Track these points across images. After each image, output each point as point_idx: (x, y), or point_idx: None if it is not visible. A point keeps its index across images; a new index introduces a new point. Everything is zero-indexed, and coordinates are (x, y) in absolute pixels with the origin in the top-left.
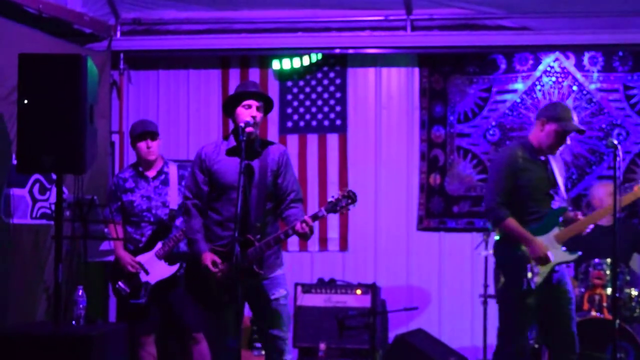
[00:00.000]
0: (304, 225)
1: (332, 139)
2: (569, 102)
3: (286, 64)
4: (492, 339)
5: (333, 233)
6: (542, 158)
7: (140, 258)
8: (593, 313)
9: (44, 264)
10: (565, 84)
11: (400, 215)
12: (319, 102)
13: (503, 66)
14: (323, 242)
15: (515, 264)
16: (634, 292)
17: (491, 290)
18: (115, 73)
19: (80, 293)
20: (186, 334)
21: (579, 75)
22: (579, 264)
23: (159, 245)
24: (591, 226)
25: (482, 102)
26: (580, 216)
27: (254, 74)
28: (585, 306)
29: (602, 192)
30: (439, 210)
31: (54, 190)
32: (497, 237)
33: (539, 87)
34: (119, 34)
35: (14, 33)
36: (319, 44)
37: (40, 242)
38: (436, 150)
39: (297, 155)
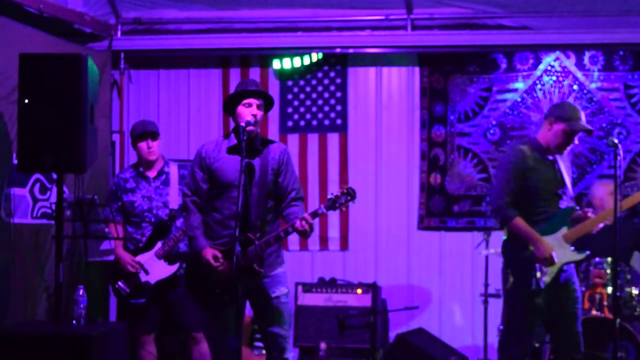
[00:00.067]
0: (303, 222)
1: (333, 139)
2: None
3: (287, 63)
4: (493, 338)
5: (334, 232)
6: (550, 158)
7: (140, 258)
8: (594, 312)
9: (44, 263)
10: (565, 83)
11: (401, 214)
12: (320, 102)
13: (503, 65)
14: (324, 241)
15: (524, 264)
16: (635, 291)
17: (492, 289)
18: (115, 72)
19: (80, 293)
20: (186, 334)
21: (579, 75)
22: (579, 263)
23: (159, 245)
24: (601, 225)
25: (482, 102)
26: (590, 214)
27: (255, 74)
28: (586, 305)
29: (602, 191)
30: (439, 209)
31: (55, 189)
32: (504, 237)
33: (539, 86)
34: (119, 33)
35: (15, 33)
36: (320, 43)
37: (41, 241)
38: (436, 149)
39: (298, 155)
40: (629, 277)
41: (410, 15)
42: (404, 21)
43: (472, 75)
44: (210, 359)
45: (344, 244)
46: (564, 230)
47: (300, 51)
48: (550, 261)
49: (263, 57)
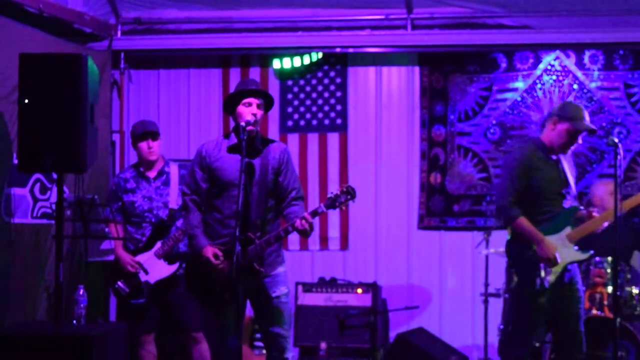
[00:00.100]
0: (303, 221)
1: (333, 138)
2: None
3: (287, 63)
4: (493, 338)
5: (334, 232)
6: (554, 157)
7: (140, 258)
8: (594, 311)
9: (44, 263)
10: (565, 82)
11: (401, 214)
12: (320, 101)
13: (503, 65)
14: (324, 241)
15: (528, 264)
16: (635, 290)
17: (492, 289)
18: (115, 72)
19: (81, 292)
20: (186, 334)
21: (579, 74)
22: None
23: (158, 244)
24: (605, 224)
25: (482, 101)
26: (595, 214)
27: (255, 73)
28: (586, 304)
29: (602, 191)
30: (439, 209)
31: (55, 189)
32: (508, 237)
33: (539, 85)
34: (119, 33)
35: (15, 32)
36: (320, 43)
37: (41, 241)
38: (437, 149)
39: (298, 155)
40: (629, 276)
41: (410, 14)
42: (404, 21)
43: (472, 75)
44: (210, 359)
45: (344, 244)
46: (567, 229)
47: (300, 51)
48: (553, 261)
49: (263, 57)
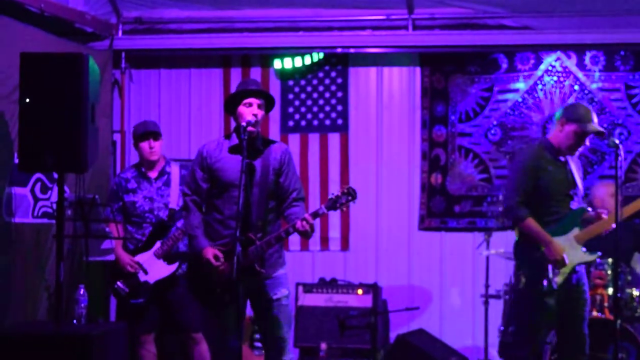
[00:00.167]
0: (304, 223)
1: (334, 139)
2: (570, 102)
3: (288, 63)
4: (494, 339)
5: (334, 232)
6: (562, 159)
7: (139, 258)
8: (594, 313)
9: (45, 263)
10: (566, 83)
11: (402, 214)
12: (321, 102)
13: (504, 65)
14: (324, 241)
15: (536, 265)
16: (636, 292)
17: (492, 290)
18: (116, 72)
19: (81, 292)
20: (185, 334)
21: (580, 75)
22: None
23: (158, 244)
24: (613, 226)
25: (483, 102)
26: (605, 215)
27: (256, 73)
28: None
29: (603, 192)
30: (440, 209)
31: (56, 189)
32: (516, 238)
33: (540, 86)
34: (120, 32)
35: (16, 32)
36: (321, 43)
37: (42, 241)
38: (437, 149)
39: (299, 155)
40: (629, 278)
41: (411, 15)
42: (405, 21)
43: (473, 76)
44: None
45: (345, 245)
46: (575, 231)
47: (302, 51)
48: (562, 262)
49: (264, 57)
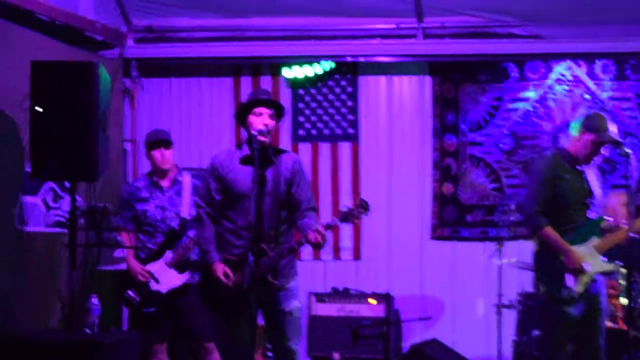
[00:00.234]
0: (317, 234)
1: (344, 148)
2: (581, 111)
3: (298, 72)
4: (507, 349)
5: (346, 242)
6: (579, 167)
7: (150, 267)
8: (607, 323)
9: (57, 271)
10: (577, 92)
11: (413, 224)
12: (331, 110)
13: (515, 74)
14: (336, 251)
15: (555, 273)
16: None
17: (505, 299)
18: (127, 81)
19: (93, 301)
20: (197, 344)
21: (590, 84)
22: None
23: (169, 253)
24: (632, 235)
25: (493, 111)
26: (624, 225)
27: (266, 82)
28: None
29: (615, 201)
30: (452, 219)
31: (67, 198)
32: (535, 247)
33: (550, 95)
34: (131, 41)
35: (27, 40)
36: (331, 51)
37: (54, 250)
38: (448, 158)
39: (310, 164)
40: None
41: (421, 24)
42: (415, 30)
43: (483, 84)
44: None
45: (357, 254)
46: (594, 240)
47: (312, 60)
48: (581, 271)
49: (274, 66)
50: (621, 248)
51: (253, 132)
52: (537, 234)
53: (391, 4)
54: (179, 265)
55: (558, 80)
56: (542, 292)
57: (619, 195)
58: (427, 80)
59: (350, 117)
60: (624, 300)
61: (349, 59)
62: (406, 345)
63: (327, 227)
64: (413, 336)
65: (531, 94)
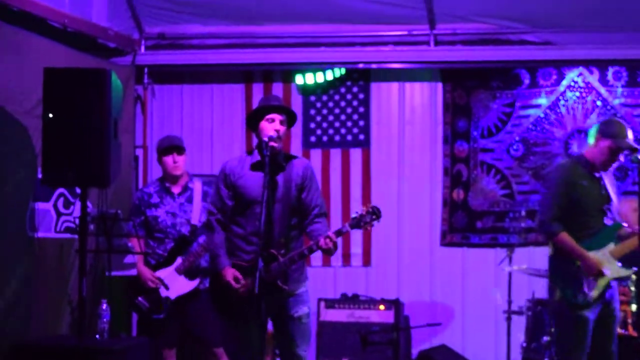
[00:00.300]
0: (327, 241)
1: (356, 154)
2: (593, 117)
3: (309, 78)
4: (516, 355)
5: (356, 248)
6: (597, 174)
7: (160, 273)
8: (617, 330)
9: (68, 277)
10: (589, 99)
11: (424, 230)
12: (342, 117)
13: (526, 81)
14: (346, 257)
15: (571, 278)
16: None
17: (515, 306)
18: (139, 87)
19: (104, 307)
20: (206, 349)
21: (602, 90)
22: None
23: (179, 260)
24: None
25: (505, 117)
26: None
27: (277, 89)
28: None
29: (627, 208)
30: (462, 225)
31: (78, 204)
32: (550, 252)
33: (562, 102)
34: (143, 48)
35: (39, 47)
36: (342, 58)
37: (64, 255)
38: (459, 165)
39: (321, 170)
40: None
41: (433, 30)
42: (427, 37)
43: (495, 91)
44: None
45: (367, 260)
46: (611, 245)
47: (323, 66)
48: (600, 276)
49: (286, 72)
50: (635, 254)
51: (264, 138)
52: (552, 240)
53: (403, 11)
54: (189, 272)
55: (570, 87)
56: (558, 297)
57: (631, 201)
58: (439, 86)
59: (362, 123)
60: (634, 307)
61: (361, 65)
62: (415, 351)
63: (338, 233)
64: (422, 342)
65: (543, 100)
